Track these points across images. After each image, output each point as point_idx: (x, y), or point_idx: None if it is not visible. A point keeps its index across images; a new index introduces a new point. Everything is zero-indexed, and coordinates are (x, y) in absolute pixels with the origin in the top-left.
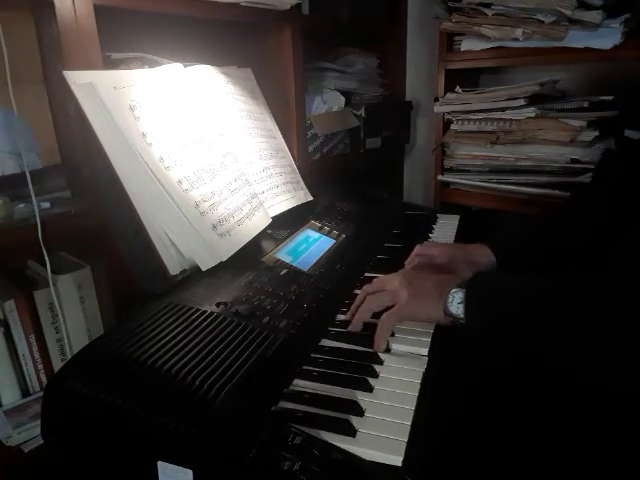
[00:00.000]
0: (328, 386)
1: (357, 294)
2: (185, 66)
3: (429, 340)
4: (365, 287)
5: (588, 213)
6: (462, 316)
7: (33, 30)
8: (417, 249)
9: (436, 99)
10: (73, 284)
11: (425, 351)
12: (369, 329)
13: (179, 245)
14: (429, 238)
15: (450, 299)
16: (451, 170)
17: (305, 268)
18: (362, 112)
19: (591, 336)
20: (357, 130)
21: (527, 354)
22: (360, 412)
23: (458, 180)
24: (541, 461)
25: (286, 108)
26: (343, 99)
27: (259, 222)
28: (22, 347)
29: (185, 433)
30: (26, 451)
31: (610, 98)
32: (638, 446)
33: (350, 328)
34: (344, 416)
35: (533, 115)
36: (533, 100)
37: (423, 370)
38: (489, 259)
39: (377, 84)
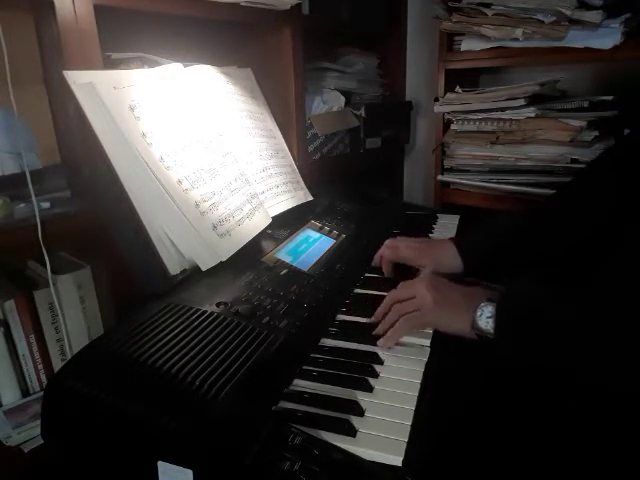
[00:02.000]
0: (328, 386)
1: (357, 294)
2: (185, 66)
3: (428, 344)
4: (392, 293)
5: (560, 216)
6: (491, 331)
7: (33, 30)
8: (387, 242)
9: (436, 99)
10: (73, 284)
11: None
12: (372, 328)
13: (179, 245)
14: (429, 238)
15: (479, 312)
16: (451, 170)
17: (305, 268)
18: (362, 112)
19: (629, 352)
20: (357, 130)
21: (557, 371)
22: (360, 412)
23: (458, 180)
24: (541, 461)
25: (286, 108)
26: (343, 99)
27: (259, 222)
28: (22, 347)
29: (185, 433)
30: (26, 451)
31: (610, 98)
32: (638, 446)
33: (380, 343)
34: (344, 416)
35: (533, 115)
36: (533, 100)
37: (423, 370)
38: (452, 257)
39: (377, 84)
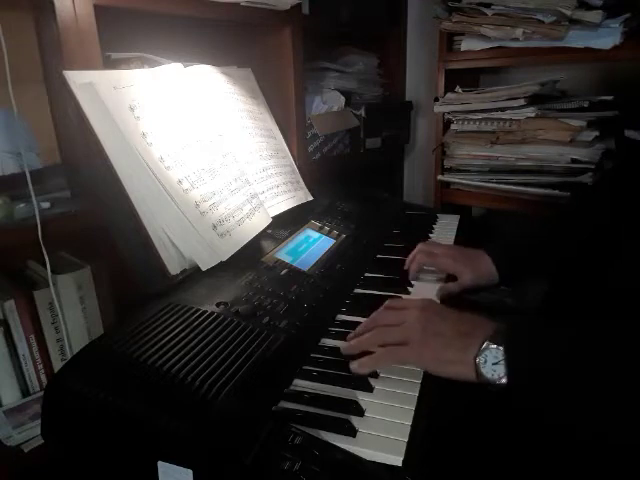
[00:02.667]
0: (328, 386)
1: (357, 294)
2: (185, 66)
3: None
4: (376, 315)
5: (590, 221)
6: (502, 380)
7: (33, 30)
8: (420, 246)
9: (436, 99)
10: (73, 284)
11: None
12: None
13: (179, 245)
14: (429, 238)
15: (482, 359)
16: (451, 170)
17: (305, 268)
18: (362, 112)
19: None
20: (357, 130)
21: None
22: (360, 412)
23: (458, 180)
24: (540, 461)
25: (286, 108)
26: (343, 99)
27: (259, 222)
28: (22, 347)
29: (185, 433)
30: (26, 451)
31: (610, 98)
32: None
33: (343, 349)
34: (344, 416)
35: (533, 115)
36: (533, 100)
37: (423, 370)
38: (490, 269)
39: (377, 84)
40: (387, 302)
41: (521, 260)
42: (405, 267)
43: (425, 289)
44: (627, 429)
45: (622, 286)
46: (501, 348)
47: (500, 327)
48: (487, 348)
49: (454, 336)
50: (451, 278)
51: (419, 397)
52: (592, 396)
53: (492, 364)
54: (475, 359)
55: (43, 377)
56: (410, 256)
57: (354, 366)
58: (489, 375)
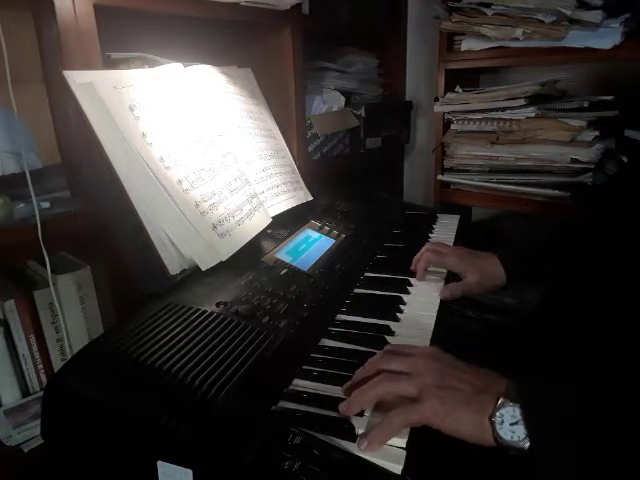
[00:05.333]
0: (328, 386)
1: (357, 294)
2: (185, 66)
3: (429, 338)
4: (376, 360)
5: (600, 225)
6: (522, 444)
7: (33, 30)
8: (428, 245)
9: (436, 99)
10: (73, 284)
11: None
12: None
13: (179, 245)
14: (429, 238)
15: (498, 419)
16: (451, 170)
17: (305, 268)
18: (362, 112)
19: None
20: (357, 130)
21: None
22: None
23: (458, 180)
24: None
25: (286, 108)
26: (343, 99)
27: (259, 222)
28: (22, 347)
29: (185, 433)
30: (26, 451)
31: (610, 98)
32: None
33: (342, 410)
34: (344, 416)
35: (533, 115)
36: (533, 100)
37: None
38: (499, 270)
39: (377, 84)
40: (387, 347)
41: (529, 263)
42: (412, 267)
43: (426, 289)
44: None
45: (620, 307)
46: (517, 406)
47: (511, 384)
48: (503, 407)
49: (472, 392)
50: (454, 280)
51: None
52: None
53: (510, 424)
54: (491, 419)
55: (43, 377)
56: (418, 255)
57: (362, 445)
58: (507, 436)
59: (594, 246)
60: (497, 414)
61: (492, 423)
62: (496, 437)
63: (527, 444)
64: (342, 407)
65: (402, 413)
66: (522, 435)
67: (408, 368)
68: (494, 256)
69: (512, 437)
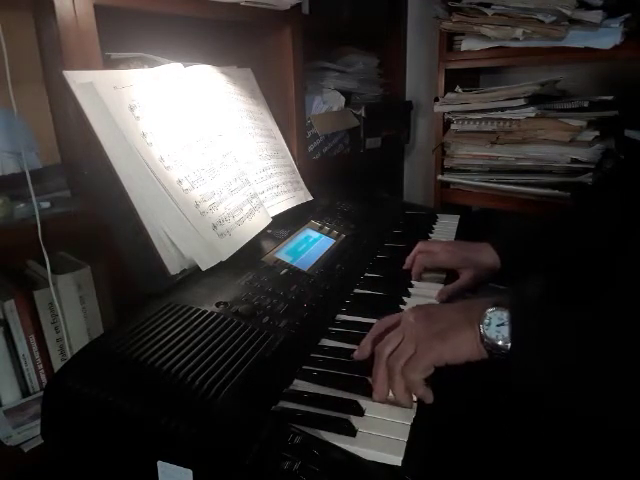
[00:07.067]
0: (328, 386)
1: (357, 294)
2: (185, 66)
3: None
4: (379, 347)
5: (595, 216)
6: (505, 342)
7: (33, 30)
8: (419, 245)
9: (436, 99)
10: (73, 284)
11: None
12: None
13: (179, 245)
14: (429, 238)
15: (487, 321)
16: (451, 170)
17: (305, 268)
18: (362, 112)
19: None
20: (357, 130)
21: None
22: (360, 412)
23: (458, 180)
24: (542, 460)
25: (286, 108)
26: (343, 99)
27: (259, 222)
28: (22, 347)
29: (185, 433)
30: (26, 451)
31: (610, 98)
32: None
33: (376, 398)
34: (344, 416)
35: (533, 115)
36: (533, 100)
37: None
38: (494, 260)
39: (377, 84)
40: (376, 323)
41: (523, 247)
42: (405, 267)
43: (426, 289)
44: (628, 413)
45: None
46: (506, 311)
47: (504, 297)
48: (493, 312)
49: (456, 315)
50: (452, 277)
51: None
52: (597, 377)
53: (496, 325)
54: (479, 325)
55: (43, 377)
56: (410, 257)
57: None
58: (492, 335)
59: (593, 236)
60: (485, 318)
61: (480, 328)
62: (483, 339)
63: (509, 344)
64: (375, 396)
65: (413, 370)
66: (507, 334)
67: (398, 338)
68: (488, 245)
69: (497, 336)
